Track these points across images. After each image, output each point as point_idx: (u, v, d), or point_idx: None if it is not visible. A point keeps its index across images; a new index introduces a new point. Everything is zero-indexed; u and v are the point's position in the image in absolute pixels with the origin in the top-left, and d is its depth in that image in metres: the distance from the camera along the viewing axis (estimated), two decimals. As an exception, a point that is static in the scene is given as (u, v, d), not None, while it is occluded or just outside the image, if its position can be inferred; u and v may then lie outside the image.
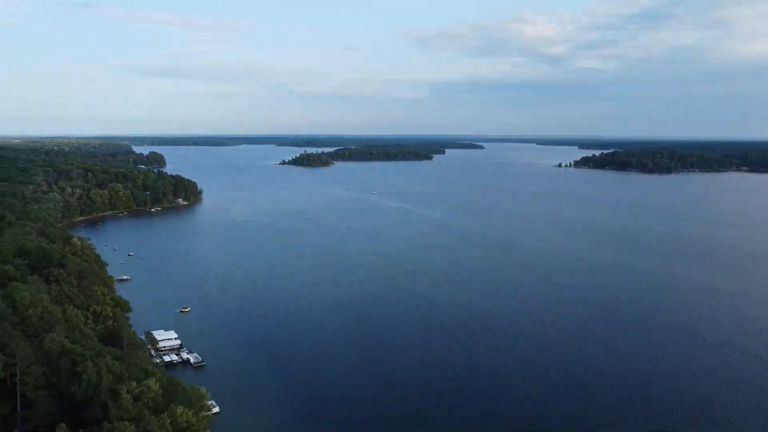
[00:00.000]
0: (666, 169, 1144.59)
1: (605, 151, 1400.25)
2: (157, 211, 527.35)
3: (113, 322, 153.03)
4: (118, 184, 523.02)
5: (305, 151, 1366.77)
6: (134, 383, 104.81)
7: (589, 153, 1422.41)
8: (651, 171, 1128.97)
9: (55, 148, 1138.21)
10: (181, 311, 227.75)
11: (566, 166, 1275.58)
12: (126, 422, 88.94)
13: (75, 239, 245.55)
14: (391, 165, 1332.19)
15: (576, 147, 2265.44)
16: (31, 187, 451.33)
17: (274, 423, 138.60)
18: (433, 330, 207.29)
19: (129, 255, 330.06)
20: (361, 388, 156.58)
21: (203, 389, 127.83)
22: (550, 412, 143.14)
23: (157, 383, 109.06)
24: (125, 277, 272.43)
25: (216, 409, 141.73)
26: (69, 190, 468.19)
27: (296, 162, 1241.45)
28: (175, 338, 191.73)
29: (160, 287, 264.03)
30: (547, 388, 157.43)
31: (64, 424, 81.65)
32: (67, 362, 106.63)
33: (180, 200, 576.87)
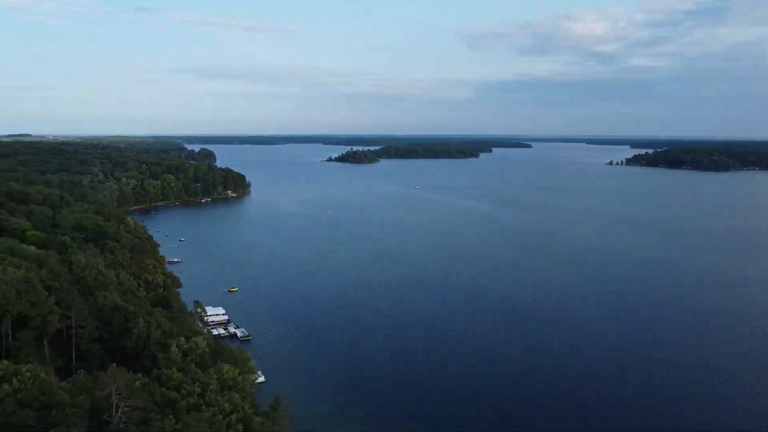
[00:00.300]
0: (723, 167, 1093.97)
1: (658, 150, 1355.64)
2: (207, 202, 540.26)
3: (163, 290, 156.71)
4: (170, 176, 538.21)
5: (351, 149, 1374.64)
6: (183, 339, 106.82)
7: (641, 152, 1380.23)
8: (707, 169, 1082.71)
9: (111, 144, 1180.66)
10: (229, 291, 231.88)
11: (617, 164, 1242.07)
12: (174, 369, 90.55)
13: (129, 219, 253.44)
14: (436, 162, 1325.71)
15: (628, 147, 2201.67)
16: (88, 177, 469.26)
17: (316, 394, 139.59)
18: (473, 317, 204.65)
19: (180, 240, 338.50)
20: (399, 370, 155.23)
21: (249, 354, 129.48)
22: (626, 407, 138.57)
23: (205, 341, 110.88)
24: (176, 260, 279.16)
25: (261, 379, 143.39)
26: (124, 180, 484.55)
27: (342, 159, 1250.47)
28: (223, 314, 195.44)
29: (209, 269, 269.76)
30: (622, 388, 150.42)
31: (114, 364, 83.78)
32: (119, 318, 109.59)
33: (229, 192, 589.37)
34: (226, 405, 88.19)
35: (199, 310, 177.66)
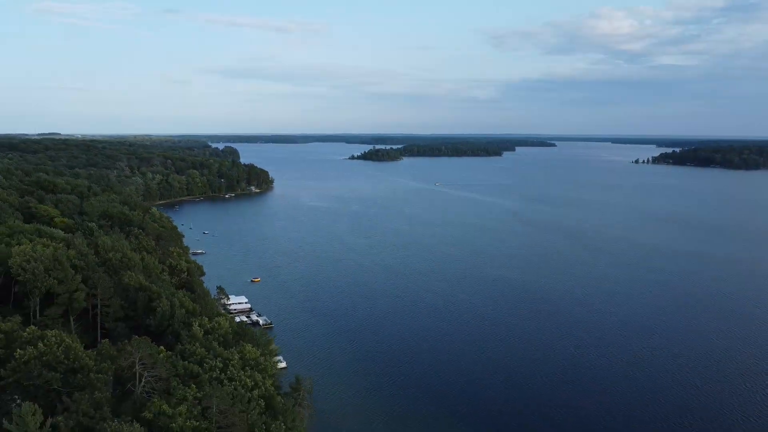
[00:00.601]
0: (753, 165, 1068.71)
1: (686, 148, 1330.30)
2: (231, 197, 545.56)
3: (187, 275, 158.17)
4: (195, 171, 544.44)
5: (374, 147, 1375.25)
6: (206, 318, 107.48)
7: (668, 150, 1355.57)
8: (737, 167, 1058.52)
9: (137, 142, 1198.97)
10: (252, 281, 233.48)
11: (644, 162, 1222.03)
12: (197, 345, 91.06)
13: (154, 210, 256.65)
14: (460, 160, 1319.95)
15: (654, 146, 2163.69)
16: (115, 171, 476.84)
17: (336, 381, 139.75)
18: (486, 306, 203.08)
19: (204, 233, 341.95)
20: (418, 359, 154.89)
21: (271, 337, 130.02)
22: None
23: (228, 322, 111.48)
24: (200, 251, 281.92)
25: (283, 365, 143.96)
26: (150, 175, 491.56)
27: (365, 157, 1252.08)
28: (246, 302, 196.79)
29: (233, 260, 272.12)
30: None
31: (136, 336, 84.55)
32: (144, 297, 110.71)
33: (252, 188, 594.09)
34: (248, 381, 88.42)
35: (221, 297, 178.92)
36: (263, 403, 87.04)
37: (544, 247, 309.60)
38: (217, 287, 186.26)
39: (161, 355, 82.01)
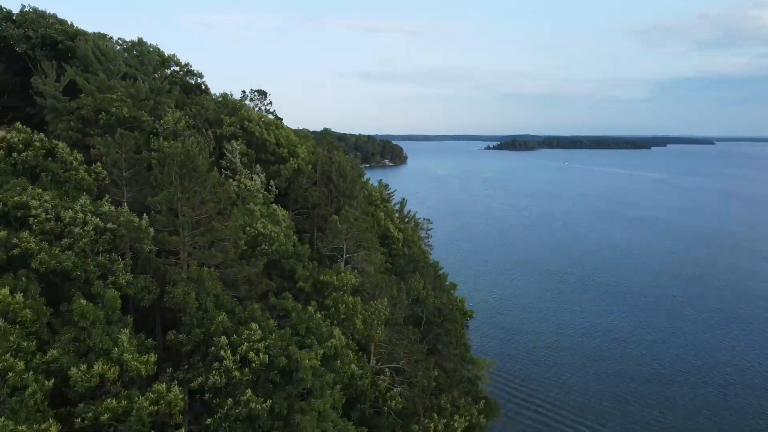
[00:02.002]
0: None
1: None
2: (365, 167, 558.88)
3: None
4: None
5: (512, 140, 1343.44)
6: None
7: None
8: None
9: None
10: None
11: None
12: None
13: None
14: (602, 152, 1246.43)
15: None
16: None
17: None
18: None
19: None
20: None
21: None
22: None
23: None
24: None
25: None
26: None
27: (500, 147, 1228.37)
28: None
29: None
30: None
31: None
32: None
33: (386, 161, 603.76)
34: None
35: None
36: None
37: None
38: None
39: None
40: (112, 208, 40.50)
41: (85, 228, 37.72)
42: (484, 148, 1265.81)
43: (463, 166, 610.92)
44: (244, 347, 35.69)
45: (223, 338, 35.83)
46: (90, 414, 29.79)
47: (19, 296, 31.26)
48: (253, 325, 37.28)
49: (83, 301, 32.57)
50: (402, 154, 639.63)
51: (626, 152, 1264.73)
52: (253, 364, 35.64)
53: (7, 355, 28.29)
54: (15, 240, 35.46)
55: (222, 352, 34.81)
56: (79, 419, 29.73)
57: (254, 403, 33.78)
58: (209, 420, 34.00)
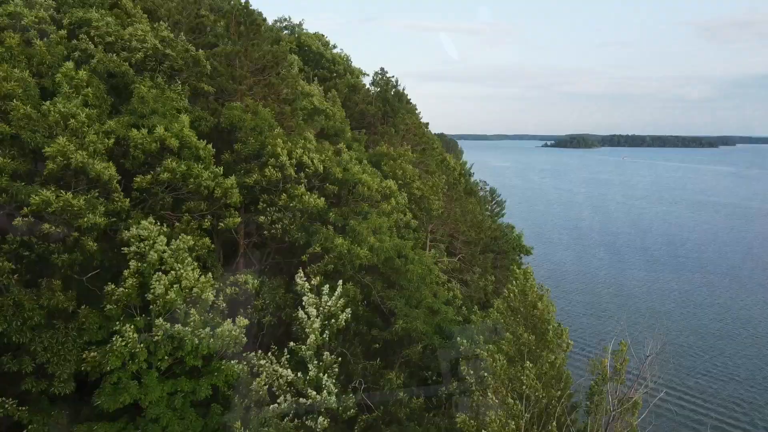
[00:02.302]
0: None
1: None
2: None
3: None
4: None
5: (570, 138, 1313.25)
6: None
7: None
8: None
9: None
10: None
11: None
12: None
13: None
14: (666, 150, 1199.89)
15: None
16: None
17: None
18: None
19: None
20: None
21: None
22: None
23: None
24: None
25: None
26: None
27: (557, 145, 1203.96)
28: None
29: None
30: None
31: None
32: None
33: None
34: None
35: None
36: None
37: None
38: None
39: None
40: (171, 35, 40.84)
41: (144, 44, 38.19)
42: (541, 146, 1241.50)
43: (519, 159, 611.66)
44: (298, 151, 35.24)
45: (279, 140, 35.47)
46: (149, 176, 29.90)
47: (82, 72, 31.72)
48: (308, 134, 36.84)
49: (144, 86, 32.84)
50: (458, 148, 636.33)
51: (692, 150, 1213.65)
52: (308, 169, 35.14)
53: (68, 102, 28.57)
54: (74, 42, 36.16)
55: (278, 149, 34.41)
56: (139, 179, 29.88)
57: (307, 197, 33.23)
58: (262, 218, 33.73)
